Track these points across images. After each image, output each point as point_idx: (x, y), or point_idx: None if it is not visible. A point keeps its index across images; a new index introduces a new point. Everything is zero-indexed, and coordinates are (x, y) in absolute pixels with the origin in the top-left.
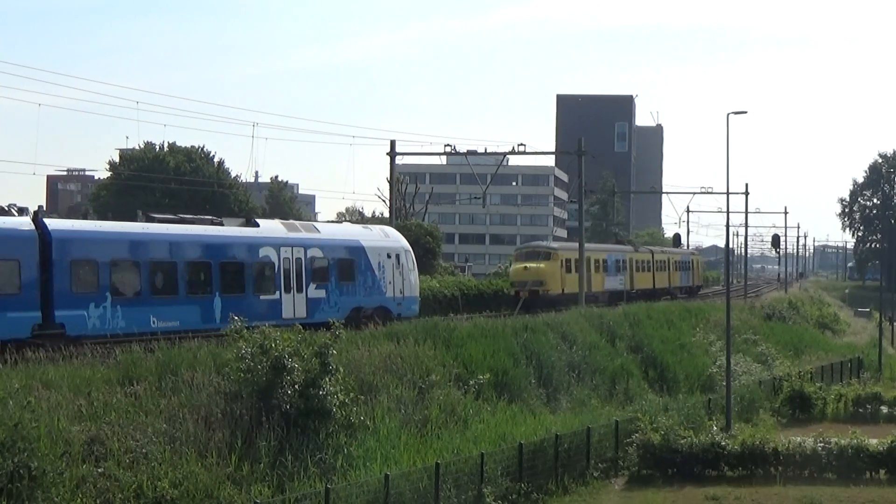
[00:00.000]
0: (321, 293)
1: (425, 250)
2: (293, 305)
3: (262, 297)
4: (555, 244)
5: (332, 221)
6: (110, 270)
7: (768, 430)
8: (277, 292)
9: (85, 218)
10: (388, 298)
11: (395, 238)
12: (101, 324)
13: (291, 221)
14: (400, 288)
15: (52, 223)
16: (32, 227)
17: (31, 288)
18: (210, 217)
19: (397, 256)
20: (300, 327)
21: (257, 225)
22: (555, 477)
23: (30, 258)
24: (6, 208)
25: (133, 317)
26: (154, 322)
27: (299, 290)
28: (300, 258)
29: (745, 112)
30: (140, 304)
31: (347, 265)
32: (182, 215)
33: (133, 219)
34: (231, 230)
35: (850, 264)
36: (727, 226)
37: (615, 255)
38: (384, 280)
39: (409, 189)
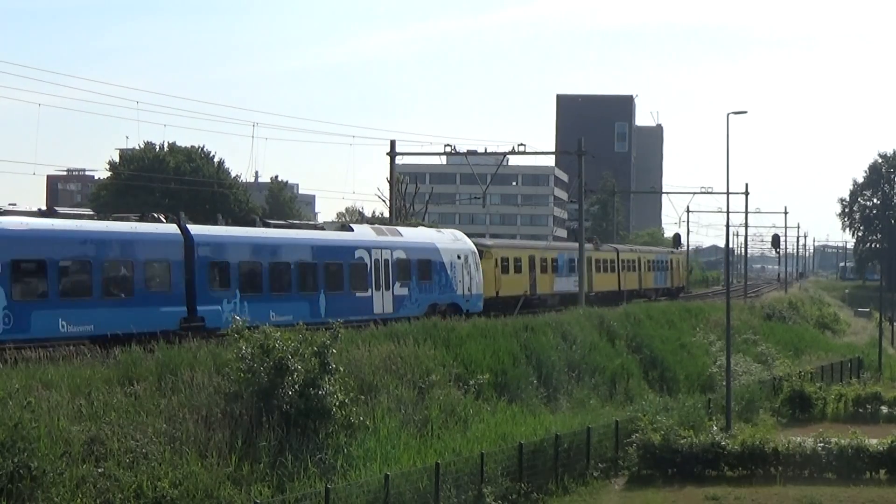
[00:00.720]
0: (405, 291)
1: None
2: (382, 302)
3: (357, 294)
4: (489, 241)
5: (333, 222)
6: (239, 270)
7: (768, 430)
8: (370, 290)
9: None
10: (458, 296)
11: (463, 241)
12: (229, 319)
13: (379, 226)
14: (468, 286)
15: (195, 229)
16: (179, 232)
17: (179, 286)
18: (313, 223)
19: (465, 258)
20: (303, 326)
21: (352, 229)
22: (555, 477)
23: (177, 260)
24: (155, 216)
25: (257, 311)
26: (273, 316)
27: (387, 287)
28: (388, 259)
29: (745, 112)
30: (262, 300)
31: (426, 265)
32: (291, 221)
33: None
34: (332, 234)
35: (841, 264)
36: (727, 226)
37: (568, 253)
38: (455, 279)
39: (409, 189)
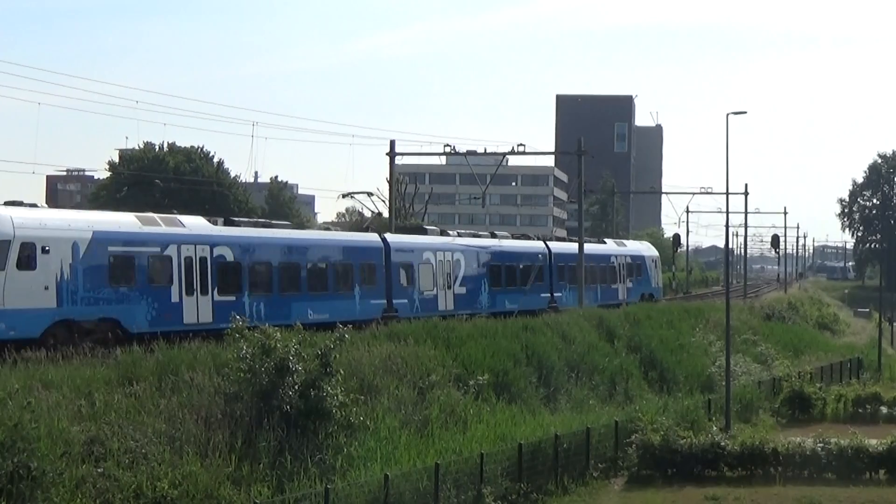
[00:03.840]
0: (630, 284)
1: None
2: (623, 291)
3: (612, 286)
4: None
5: (331, 222)
6: (570, 270)
7: (768, 431)
8: (617, 284)
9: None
10: (653, 287)
11: (653, 249)
12: (566, 301)
13: (618, 239)
14: (656, 281)
15: (552, 245)
16: (544, 246)
17: (546, 280)
18: (592, 238)
19: (655, 261)
20: (300, 326)
21: (605, 242)
22: (554, 477)
23: (546, 264)
24: (530, 236)
25: (575, 297)
26: (566, 300)
27: (622, 282)
28: (623, 263)
29: (745, 112)
30: (577, 290)
31: (639, 267)
32: (573, 237)
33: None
34: (601, 246)
35: (828, 263)
36: (727, 226)
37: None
38: (651, 275)
39: (409, 189)
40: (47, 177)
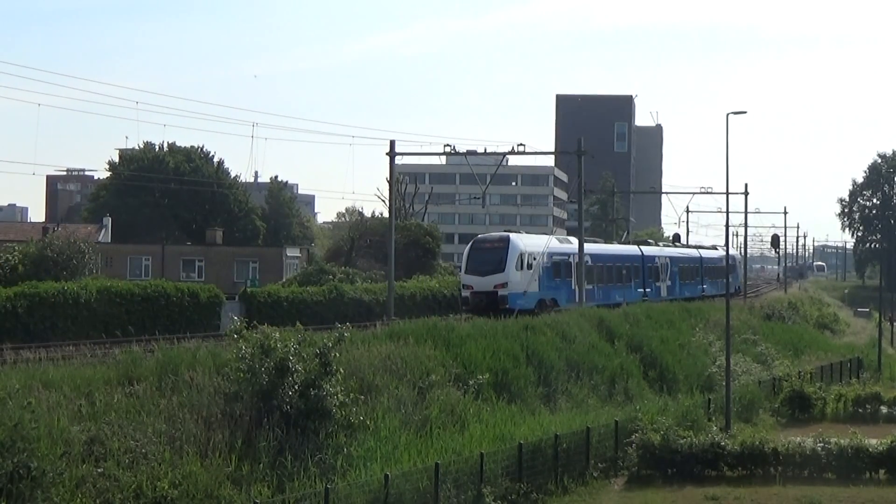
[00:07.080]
0: (732, 279)
1: (425, 250)
2: (730, 284)
3: (720, 281)
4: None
5: (332, 222)
6: (707, 270)
7: (768, 431)
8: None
9: None
10: (739, 283)
11: (737, 253)
12: (709, 291)
13: (712, 245)
14: (741, 277)
15: (703, 252)
16: (699, 254)
17: (700, 276)
18: (710, 245)
19: (740, 262)
20: (300, 326)
21: (716, 248)
22: (554, 477)
23: (700, 266)
24: (691, 246)
25: (711, 288)
26: (708, 290)
27: (728, 276)
28: (730, 263)
29: (745, 112)
30: (711, 283)
31: (733, 266)
32: (710, 244)
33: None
34: (713, 252)
35: (817, 262)
36: (727, 226)
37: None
38: (738, 273)
39: (409, 189)
40: (47, 177)
